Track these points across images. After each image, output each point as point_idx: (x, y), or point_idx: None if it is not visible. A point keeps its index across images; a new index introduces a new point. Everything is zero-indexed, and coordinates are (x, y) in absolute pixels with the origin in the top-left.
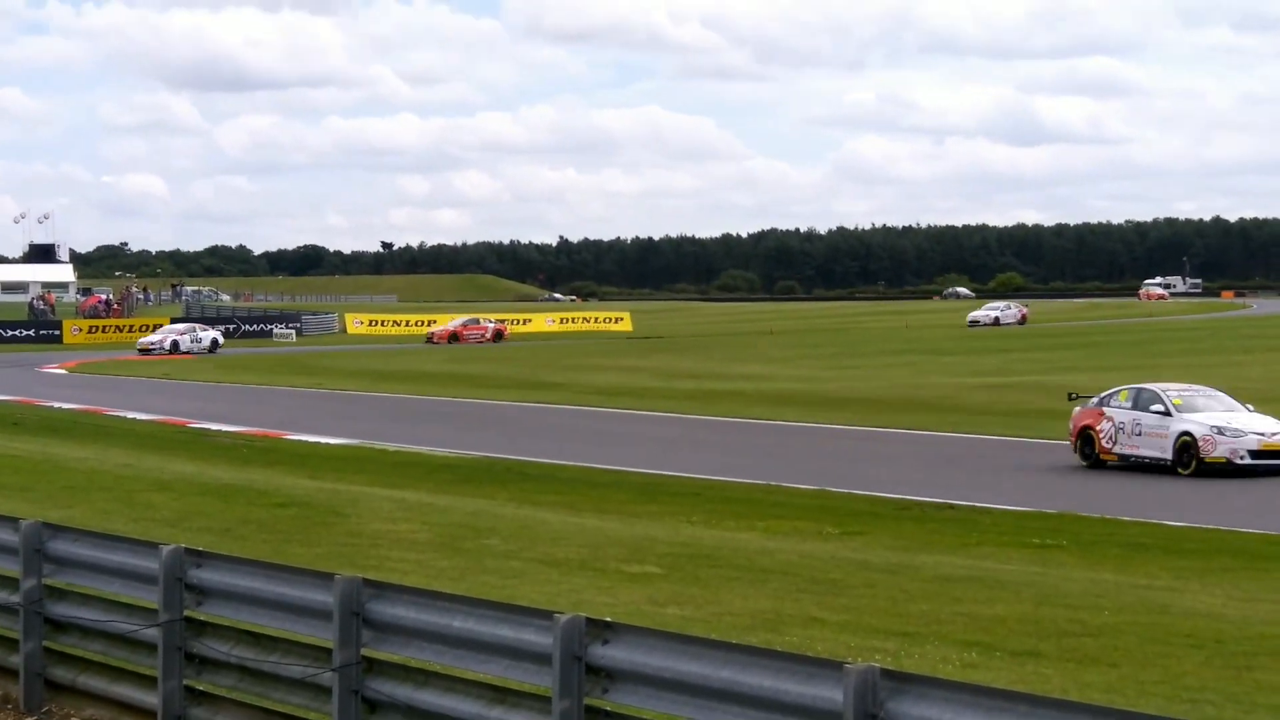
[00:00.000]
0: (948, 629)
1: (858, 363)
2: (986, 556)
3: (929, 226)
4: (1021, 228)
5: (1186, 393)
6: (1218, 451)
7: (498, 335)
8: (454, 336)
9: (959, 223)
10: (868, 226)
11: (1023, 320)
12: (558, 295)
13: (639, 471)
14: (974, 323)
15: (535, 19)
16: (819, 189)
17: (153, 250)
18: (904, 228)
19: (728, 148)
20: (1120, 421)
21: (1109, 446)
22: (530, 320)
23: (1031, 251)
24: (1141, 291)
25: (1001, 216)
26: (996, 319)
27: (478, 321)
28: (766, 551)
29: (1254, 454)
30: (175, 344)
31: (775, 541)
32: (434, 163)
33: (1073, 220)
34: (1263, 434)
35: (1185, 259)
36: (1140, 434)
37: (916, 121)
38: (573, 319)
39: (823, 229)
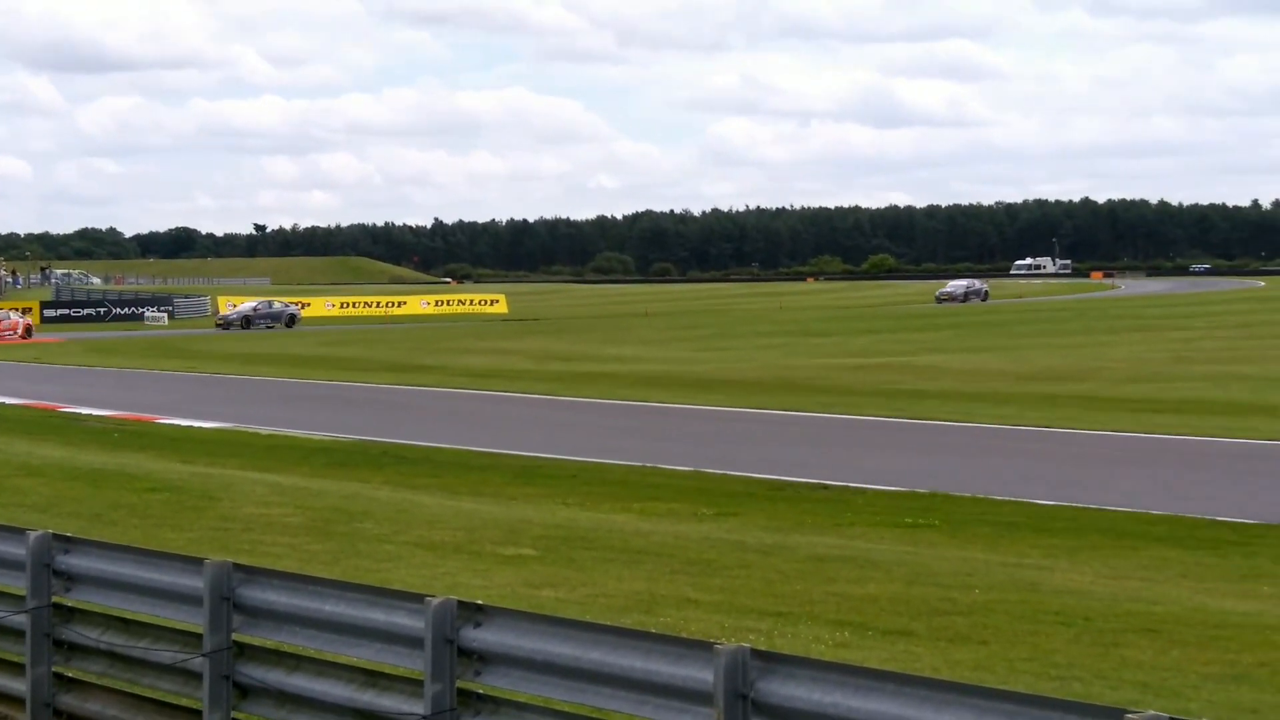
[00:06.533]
0: (821, 609)
1: (731, 344)
2: (859, 536)
3: (802, 208)
4: (894, 209)
5: None
6: None
7: (28, 331)
8: None
9: (830, 205)
10: (740, 209)
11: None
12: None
13: (515, 454)
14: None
15: (395, 0)
16: (686, 171)
17: (20, 233)
18: (777, 209)
19: (593, 130)
20: None
21: None
22: (405, 303)
23: (904, 233)
24: None
25: (868, 198)
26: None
27: (9, 316)
28: (641, 533)
29: None
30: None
31: (650, 523)
32: (300, 145)
33: (941, 202)
34: None
35: (1055, 240)
36: None
37: (779, 104)
38: (448, 301)
39: (695, 211)
